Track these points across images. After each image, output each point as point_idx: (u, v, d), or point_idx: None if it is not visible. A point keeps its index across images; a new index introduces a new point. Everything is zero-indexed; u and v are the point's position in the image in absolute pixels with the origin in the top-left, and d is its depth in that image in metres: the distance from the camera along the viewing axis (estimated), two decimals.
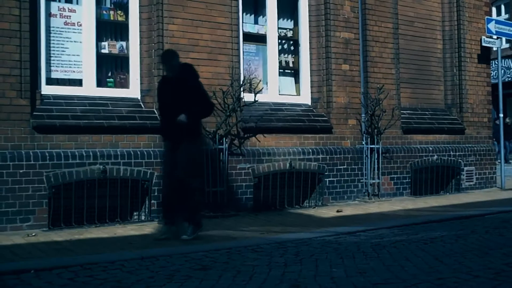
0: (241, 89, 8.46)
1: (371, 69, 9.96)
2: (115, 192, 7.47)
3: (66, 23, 7.71)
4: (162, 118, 6.68)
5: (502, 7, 25.30)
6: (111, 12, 8.17)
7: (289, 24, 9.86)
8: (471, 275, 4.45)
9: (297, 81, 9.78)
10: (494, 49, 12.04)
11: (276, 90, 9.42)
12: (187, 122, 6.19)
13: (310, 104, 9.58)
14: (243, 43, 9.01)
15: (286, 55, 9.79)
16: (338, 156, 9.42)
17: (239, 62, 8.72)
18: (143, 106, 7.99)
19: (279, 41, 9.59)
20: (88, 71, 7.79)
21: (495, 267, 4.70)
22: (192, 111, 6.25)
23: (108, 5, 8.20)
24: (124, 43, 8.20)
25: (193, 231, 6.28)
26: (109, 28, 8.21)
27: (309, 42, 9.63)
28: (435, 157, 10.69)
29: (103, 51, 8.04)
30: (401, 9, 10.62)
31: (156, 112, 7.91)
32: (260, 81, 9.15)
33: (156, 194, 7.69)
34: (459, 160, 11.08)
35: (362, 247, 5.75)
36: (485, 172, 11.53)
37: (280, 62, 9.57)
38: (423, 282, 4.27)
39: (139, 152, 7.65)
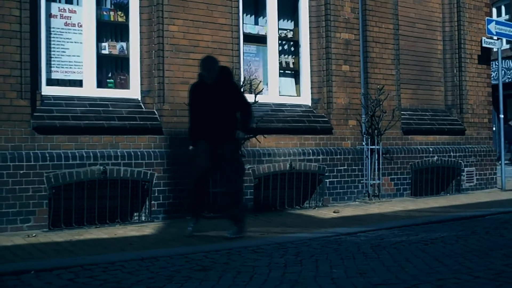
0: (241, 90, 8.45)
1: (371, 70, 9.96)
2: (115, 193, 7.48)
3: (66, 24, 7.71)
4: (196, 121, 6.67)
5: (503, 8, 25.31)
6: (112, 13, 8.18)
7: (289, 25, 9.87)
8: (471, 276, 4.45)
9: (297, 82, 9.78)
10: (495, 50, 12.04)
11: (277, 91, 9.42)
12: (245, 136, 6.87)
13: (310, 105, 9.59)
14: (243, 44, 9.01)
15: (286, 56, 9.79)
16: (339, 157, 9.42)
17: (239, 63, 8.72)
18: (143, 107, 7.99)
19: (280, 42, 9.60)
20: (88, 72, 7.80)
21: (496, 268, 4.70)
22: (245, 124, 6.64)
23: (108, 6, 8.20)
24: (124, 44, 8.20)
25: (237, 231, 6.44)
26: (110, 29, 8.22)
27: (309, 43, 9.63)
28: (436, 158, 10.69)
29: (103, 52, 8.05)
30: (402, 10, 10.62)
31: (156, 113, 7.92)
32: (260, 82, 9.16)
33: (156, 194, 7.70)
34: (460, 161, 11.08)
35: (362, 247, 5.75)
36: (485, 173, 11.53)
37: (280, 63, 9.57)
38: (423, 283, 4.27)
39: (139, 153, 7.65)
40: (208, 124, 6.49)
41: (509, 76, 24.41)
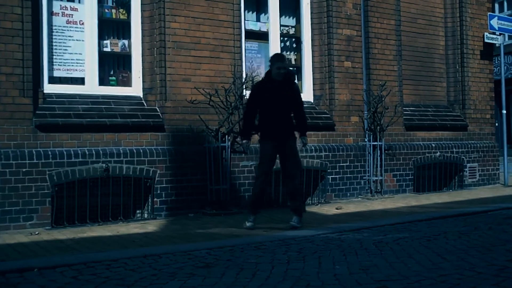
0: (243, 87, 8.46)
1: (373, 66, 9.95)
2: (118, 190, 7.48)
3: (68, 22, 7.72)
4: (252, 117, 7.02)
5: (505, 3, 25.23)
6: (113, 11, 8.18)
7: (291, 21, 9.85)
8: (474, 271, 4.45)
9: (299, 79, 9.77)
10: (497, 45, 12.01)
11: None
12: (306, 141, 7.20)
13: (312, 101, 9.58)
14: (245, 40, 9.00)
15: (288, 53, 9.78)
16: (341, 153, 9.42)
17: (241, 59, 8.71)
18: (145, 104, 8.00)
19: (281, 38, 9.59)
20: (90, 70, 7.80)
21: (498, 263, 4.70)
22: (304, 128, 7.09)
23: (110, 3, 8.21)
24: (126, 41, 8.20)
25: (300, 220, 6.87)
26: (111, 27, 8.22)
27: (311, 40, 9.63)
28: (438, 153, 10.68)
29: (105, 49, 8.05)
30: (404, 5, 10.60)
31: (158, 110, 7.92)
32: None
33: (159, 192, 7.71)
34: (462, 157, 11.07)
35: (365, 244, 5.75)
36: (488, 169, 11.51)
37: None
38: (426, 278, 4.27)
39: (141, 150, 7.66)
40: (275, 121, 6.83)
41: (511, 72, 24.35)
